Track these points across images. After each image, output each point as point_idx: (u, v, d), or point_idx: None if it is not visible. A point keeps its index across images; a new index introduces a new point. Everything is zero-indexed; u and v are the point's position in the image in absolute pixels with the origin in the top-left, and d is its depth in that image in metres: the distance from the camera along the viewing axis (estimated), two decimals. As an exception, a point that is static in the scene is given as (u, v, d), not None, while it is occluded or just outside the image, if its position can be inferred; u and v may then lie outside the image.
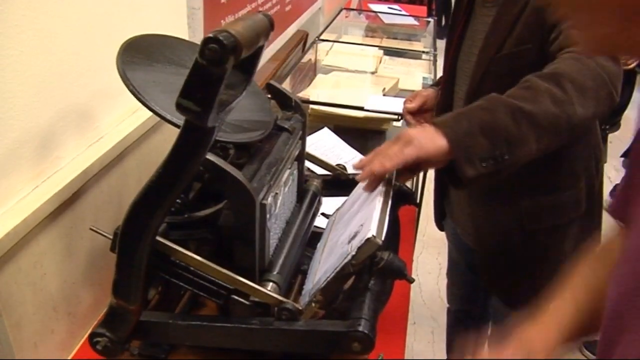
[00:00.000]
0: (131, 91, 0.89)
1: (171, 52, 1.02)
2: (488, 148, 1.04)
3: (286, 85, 2.50)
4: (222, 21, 1.89)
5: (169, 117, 0.88)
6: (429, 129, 1.05)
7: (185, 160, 0.76)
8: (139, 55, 0.98)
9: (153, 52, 1.01)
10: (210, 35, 0.64)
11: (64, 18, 1.08)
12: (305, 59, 2.88)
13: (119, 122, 1.32)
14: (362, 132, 2.22)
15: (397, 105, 2.09)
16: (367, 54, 3.02)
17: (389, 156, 1.02)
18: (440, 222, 1.85)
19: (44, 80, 1.05)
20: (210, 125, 0.70)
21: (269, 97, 1.15)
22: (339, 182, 1.29)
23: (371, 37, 3.71)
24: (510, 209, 1.49)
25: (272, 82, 1.11)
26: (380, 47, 3.12)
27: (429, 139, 1.03)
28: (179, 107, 0.68)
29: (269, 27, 0.77)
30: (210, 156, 0.82)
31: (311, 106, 2.17)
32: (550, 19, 1.29)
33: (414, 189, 2.30)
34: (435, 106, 1.65)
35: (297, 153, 1.10)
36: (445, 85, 1.61)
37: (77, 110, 1.18)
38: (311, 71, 2.84)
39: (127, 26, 1.30)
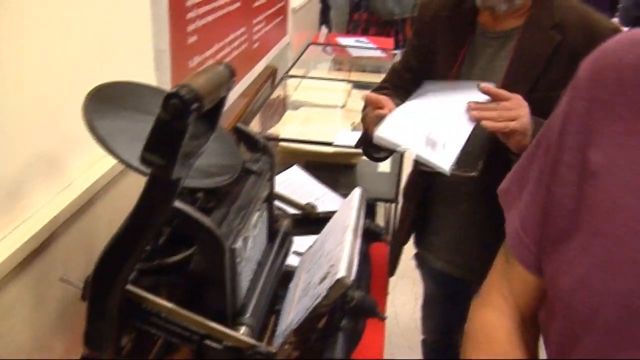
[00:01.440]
0: (97, 140, 0.90)
1: (137, 99, 1.03)
2: None
3: (256, 122, 2.52)
4: (189, 62, 1.90)
5: (136, 165, 0.88)
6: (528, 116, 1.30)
7: (152, 211, 0.76)
8: (105, 103, 0.99)
9: (119, 99, 1.01)
10: (172, 90, 0.66)
11: (30, 64, 1.09)
12: (274, 95, 2.90)
13: (88, 167, 1.32)
14: (333, 167, 2.23)
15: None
16: (336, 88, 3.06)
17: (499, 119, 1.30)
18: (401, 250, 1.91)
19: (9, 128, 1.05)
20: (175, 177, 0.71)
21: (236, 140, 1.16)
22: (310, 221, 1.30)
23: (339, 70, 3.76)
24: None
25: (239, 125, 1.12)
26: (348, 80, 3.16)
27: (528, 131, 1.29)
28: (144, 160, 0.69)
29: (230, 78, 0.78)
30: (178, 203, 0.83)
31: (281, 143, 2.19)
32: None
33: (388, 221, 2.32)
34: None
35: (266, 194, 1.11)
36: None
37: (44, 157, 1.18)
38: (280, 107, 2.86)
39: (93, 70, 1.31)
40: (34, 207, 1.15)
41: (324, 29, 4.34)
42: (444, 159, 1.30)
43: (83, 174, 1.30)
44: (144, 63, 1.60)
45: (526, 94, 1.41)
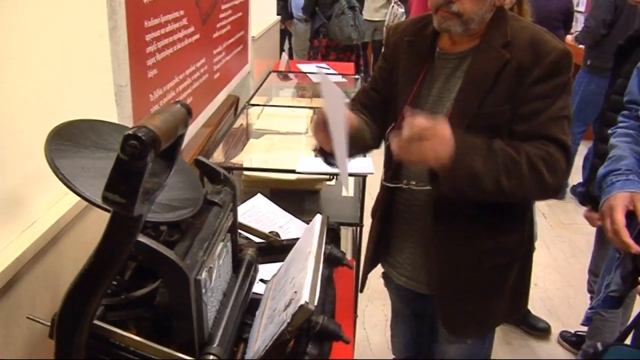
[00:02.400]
0: (60, 179, 0.91)
1: (98, 136, 1.05)
2: (466, 188, 1.40)
3: (219, 152, 2.54)
4: (150, 95, 1.92)
5: (99, 202, 0.90)
6: (446, 146, 1.34)
7: (116, 248, 0.78)
8: (67, 142, 1.00)
9: (80, 137, 1.03)
10: (130, 132, 0.68)
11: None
12: (237, 124, 2.93)
13: (51, 204, 1.32)
14: (297, 193, 2.27)
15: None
16: (298, 114, 3.10)
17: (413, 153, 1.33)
18: (370, 268, 1.95)
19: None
20: (137, 214, 0.73)
21: (199, 172, 1.18)
22: (274, 249, 1.32)
23: (301, 97, 3.80)
24: (471, 250, 1.64)
25: (200, 157, 1.14)
26: (310, 107, 3.20)
27: (440, 156, 1.34)
28: (105, 199, 0.71)
29: (187, 117, 0.81)
30: (141, 238, 0.84)
31: (245, 172, 2.21)
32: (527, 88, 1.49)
33: (355, 244, 2.35)
34: (388, 150, 1.72)
35: (229, 225, 1.13)
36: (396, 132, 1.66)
37: (6, 197, 1.18)
38: (244, 136, 2.88)
39: (54, 107, 1.32)
40: (-2, 247, 1.15)
41: (285, 56, 4.38)
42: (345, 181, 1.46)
43: (47, 211, 1.31)
44: (105, 98, 1.62)
45: (475, 110, 1.51)
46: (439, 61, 1.64)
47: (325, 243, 1.19)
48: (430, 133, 1.32)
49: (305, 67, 4.43)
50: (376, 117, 1.74)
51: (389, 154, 1.70)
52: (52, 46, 1.31)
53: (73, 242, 1.39)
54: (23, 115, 1.22)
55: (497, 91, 1.51)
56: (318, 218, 1.20)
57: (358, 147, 1.63)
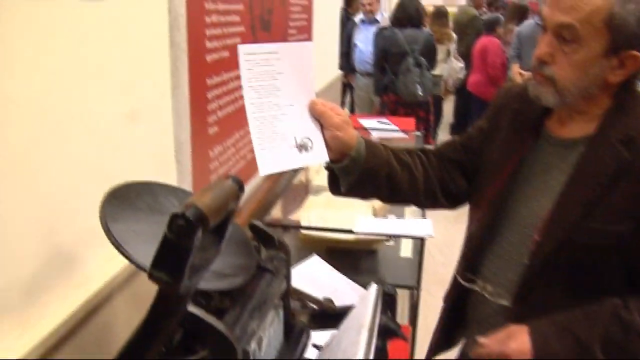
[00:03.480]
0: (113, 243, 0.90)
1: (154, 199, 1.04)
2: None
3: (277, 208, 2.53)
4: (210, 151, 1.93)
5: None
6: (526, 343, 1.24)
7: (161, 322, 0.76)
8: (122, 204, 1.00)
9: (136, 200, 1.03)
10: (178, 211, 0.67)
11: (45, 165, 1.11)
12: (296, 180, 2.92)
13: (106, 262, 1.32)
14: (354, 253, 2.23)
15: (386, 226, 2.11)
16: None
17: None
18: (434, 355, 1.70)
19: (25, 225, 1.07)
20: (183, 292, 0.71)
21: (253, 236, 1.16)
22: (327, 316, 1.28)
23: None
24: None
25: (254, 222, 1.13)
26: None
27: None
28: (151, 277, 0.70)
29: (238, 192, 0.79)
30: (190, 307, 0.82)
31: (302, 230, 2.19)
32: None
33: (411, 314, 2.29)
34: (468, 241, 1.52)
35: (281, 291, 1.11)
36: (482, 222, 1.46)
37: (62, 254, 1.19)
38: (303, 191, 2.87)
39: (114, 164, 1.34)
40: (53, 304, 1.15)
41: (346, 111, 4.40)
42: (320, 155, 1.29)
43: (102, 269, 1.30)
44: (165, 154, 1.63)
45: (579, 221, 1.27)
46: (544, 143, 1.39)
47: (381, 312, 1.15)
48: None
49: (366, 122, 4.43)
50: (450, 174, 1.51)
51: (468, 241, 1.51)
52: (113, 105, 1.33)
53: (127, 301, 1.38)
54: (82, 173, 1.23)
55: (611, 201, 1.24)
56: (373, 288, 1.16)
57: (370, 178, 1.37)
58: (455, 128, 7.82)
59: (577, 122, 1.34)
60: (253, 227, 1.13)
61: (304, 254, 2.04)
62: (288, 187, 2.81)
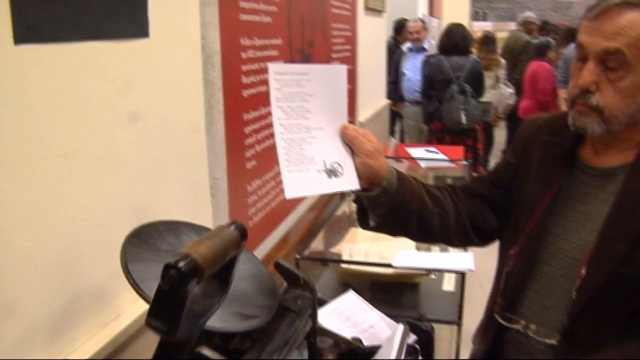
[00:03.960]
0: (131, 284, 0.90)
1: (177, 238, 1.05)
2: None
3: (320, 240, 2.52)
4: (247, 186, 1.93)
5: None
6: None
7: (166, 368, 0.75)
8: (144, 244, 1.00)
9: (158, 239, 1.03)
10: (171, 261, 0.66)
11: (77, 202, 1.13)
12: (339, 211, 2.91)
13: (136, 298, 1.33)
14: (395, 285, 2.19)
15: (428, 260, 2.07)
16: None
17: None
18: None
19: (56, 265, 1.08)
20: (181, 339, 0.70)
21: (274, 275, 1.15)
22: (356, 356, 1.25)
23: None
24: None
25: (279, 261, 1.12)
26: None
27: None
28: (149, 325, 0.69)
29: (239, 240, 0.79)
30: (206, 350, 0.82)
31: (342, 265, 2.18)
32: None
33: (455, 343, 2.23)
34: (501, 278, 1.44)
35: (306, 332, 1.09)
36: (520, 258, 1.39)
37: (93, 290, 1.20)
38: (346, 223, 2.85)
39: (146, 203, 1.35)
40: (81, 340, 1.16)
41: (393, 140, 4.38)
42: (350, 182, 1.26)
43: (131, 305, 1.31)
44: (200, 191, 1.64)
45: (626, 252, 1.21)
46: (579, 174, 1.34)
47: (410, 352, 1.12)
48: None
49: (414, 151, 4.39)
50: (480, 210, 1.47)
51: (505, 277, 1.42)
52: (145, 143, 1.35)
53: (155, 338, 1.37)
54: (114, 210, 1.24)
55: None
56: (399, 329, 1.13)
57: (401, 211, 1.32)
58: (507, 155, 7.72)
59: (615, 150, 1.29)
60: (278, 266, 1.12)
61: (344, 288, 2.02)
62: (331, 218, 2.79)
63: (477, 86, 5.23)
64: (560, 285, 1.31)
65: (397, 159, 4.10)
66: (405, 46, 6.46)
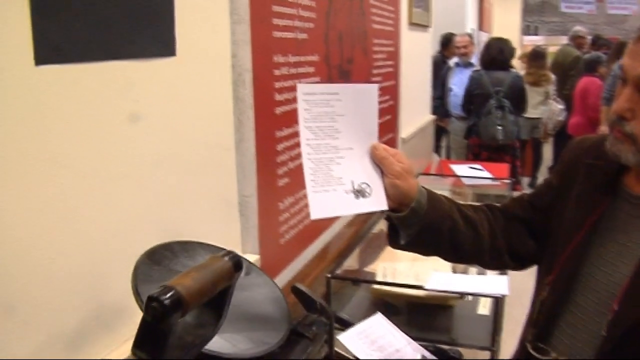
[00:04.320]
0: (139, 306, 0.90)
1: (190, 258, 1.04)
2: None
3: (355, 257, 2.49)
4: (279, 204, 1.92)
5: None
6: None
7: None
8: (157, 265, 1.00)
9: (172, 260, 1.02)
10: (154, 293, 0.65)
11: (101, 218, 1.14)
12: (377, 229, 2.87)
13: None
14: (428, 307, 2.15)
15: (461, 283, 2.03)
16: None
17: None
18: None
19: (77, 281, 1.09)
20: (169, 371, 0.69)
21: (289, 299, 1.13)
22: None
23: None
24: None
25: (297, 285, 1.10)
26: None
27: None
28: (134, 355, 0.68)
29: (232, 272, 0.77)
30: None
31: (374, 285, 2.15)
32: None
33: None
34: (535, 305, 1.36)
35: (321, 357, 1.07)
36: (554, 287, 1.31)
37: (113, 307, 1.20)
38: (384, 241, 2.82)
39: (171, 219, 1.35)
40: (97, 355, 1.17)
41: (436, 158, 4.32)
42: (379, 203, 1.24)
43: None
44: (228, 208, 1.64)
45: None
46: (622, 202, 1.26)
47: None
48: None
49: (458, 167, 4.33)
50: (517, 233, 1.41)
51: (539, 305, 1.33)
52: (171, 161, 1.35)
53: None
54: (138, 227, 1.25)
55: None
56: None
57: (431, 233, 1.29)
58: (554, 171, 7.52)
59: None
60: (295, 290, 1.10)
61: (376, 308, 1.99)
62: (369, 235, 2.76)
63: (518, 102, 5.12)
64: (593, 319, 1.23)
65: (440, 176, 4.04)
66: (453, 61, 6.39)
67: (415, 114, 4.31)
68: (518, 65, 7.09)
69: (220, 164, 1.57)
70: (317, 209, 1.16)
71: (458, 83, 5.87)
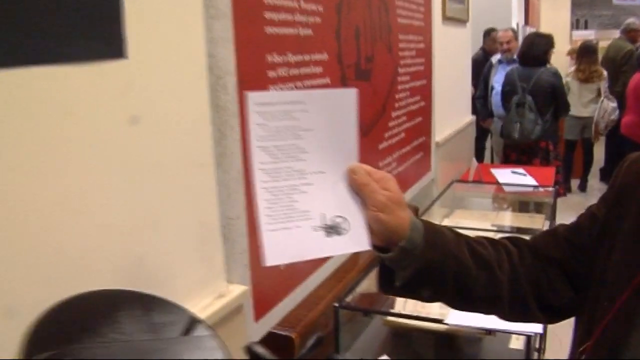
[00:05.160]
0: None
1: (112, 322, 0.81)
2: None
3: (373, 279, 2.24)
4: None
5: None
6: None
7: None
8: (64, 325, 0.77)
9: (87, 319, 0.79)
10: None
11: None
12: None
13: None
14: (454, 339, 1.89)
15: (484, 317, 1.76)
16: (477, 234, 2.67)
17: None
18: None
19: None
20: None
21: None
22: None
23: (497, 209, 3.36)
24: None
25: (251, 345, 0.86)
26: (494, 230, 2.72)
27: None
28: None
29: None
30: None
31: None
32: None
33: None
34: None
35: None
36: (594, 355, 0.99)
37: None
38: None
39: (132, 253, 1.16)
40: None
41: (474, 162, 4.01)
42: (358, 242, 0.95)
43: None
44: (207, 233, 1.41)
45: None
46: None
47: None
48: None
49: (499, 172, 4.02)
50: (549, 278, 1.08)
51: None
52: (124, 184, 1.14)
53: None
54: (96, 263, 1.07)
55: None
56: None
57: (430, 277, 1.01)
58: (605, 173, 7.03)
59: None
60: (248, 351, 0.86)
61: (394, 339, 1.75)
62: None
63: (545, 99, 4.77)
64: None
65: (476, 183, 3.74)
66: (495, 58, 6.03)
67: (452, 115, 4.03)
68: (567, 62, 6.70)
69: (193, 183, 1.34)
70: (273, 253, 0.90)
71: (500, 81, 5.53)
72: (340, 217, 0.95)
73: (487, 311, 1.15)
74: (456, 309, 1.17)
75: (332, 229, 0.94)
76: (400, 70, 2.81)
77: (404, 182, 2.97)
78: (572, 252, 1.09)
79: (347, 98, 0.98)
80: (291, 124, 0.93)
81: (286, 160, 0.93)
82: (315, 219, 0.93)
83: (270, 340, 1.70)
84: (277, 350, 1.53)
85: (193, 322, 0.88)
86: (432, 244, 0.99)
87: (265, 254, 0.90)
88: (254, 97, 0.90)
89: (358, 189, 0.96)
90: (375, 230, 0.97)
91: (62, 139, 1.00)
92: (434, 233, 1.01)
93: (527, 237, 1.17)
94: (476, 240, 1.08)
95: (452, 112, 4.00)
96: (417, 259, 0.98)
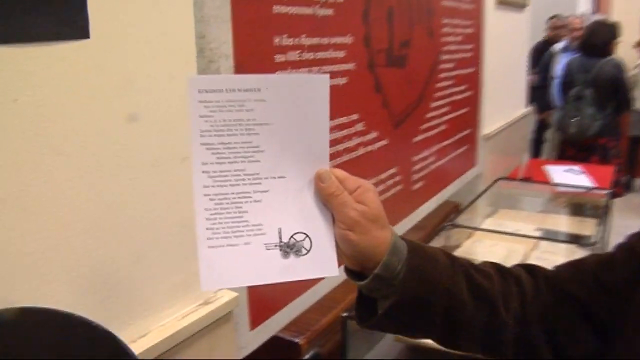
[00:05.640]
0: None
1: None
2: None
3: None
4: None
5: None
6: None
7: None
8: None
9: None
10: None
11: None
12: (437, 243, 2.41)
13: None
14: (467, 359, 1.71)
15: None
16: (519, 243, 2.42)
17: None
18: None
19: None
20: None
21: None
22: None
23: (544, 210, 3.10)
24: None
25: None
26: (529, 235, 2.47)
27: None
28: None
29: None
30: None
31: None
32: None
33: None
34: None
35: None
36: None
37: None
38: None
39: (102, 248, 1.03)
40: None
41: (525, 157, 3.76)
42: (323, 265, 0.79)
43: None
44: (190, 237, 1.27)
45: None
46: None
47: None
48: None
49: (553, 169, 3.76)
50: (569, 321, 0.87)
51: None
52: (88, 186, 1.00)
53: None
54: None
55: None
56: None
57: (415, 311, 0.83)
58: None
59: None
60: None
61: (410, 353, 1.59)
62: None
63: (606, 92, 4.45)
64: None
65: (522, 181, 3.48)
66: (558, 46, 5.67)
67: (505, 106, 3.78)
68: (635, 54, 6.28)
69: (170, 179, 1.20)
70: (212, 276, 0.74)
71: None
72: (302, 233, 0.78)
73: (487, 355, 0.95)
74: (448, 349, 0.97)
75: (290, 249, 0.77)
76: (443, 57, 2.60)
77: (444, 177, 2.78)
78: (600, 291, 0.87)
79: (317, 86, 0.78)
80: (243, 117, 0.75)
81: (235, 161, 0.76)
82: (270, 235, 0.77)
83: (273, 345, 1.57)
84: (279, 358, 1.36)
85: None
86: (415, 273, 0.81)
87: (201, 276, 0.74)
88: (195, 82, 0.74)
89: (325, 200, 0.79)
90: (345, 252, 0.80)
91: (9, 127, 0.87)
92: (421, 258, 0.83)
93: (550, 266, 0.96)
94: (480, 269, 0.89)
95: (504, 103, 3.75)
96: (395, 290, 0.80)
